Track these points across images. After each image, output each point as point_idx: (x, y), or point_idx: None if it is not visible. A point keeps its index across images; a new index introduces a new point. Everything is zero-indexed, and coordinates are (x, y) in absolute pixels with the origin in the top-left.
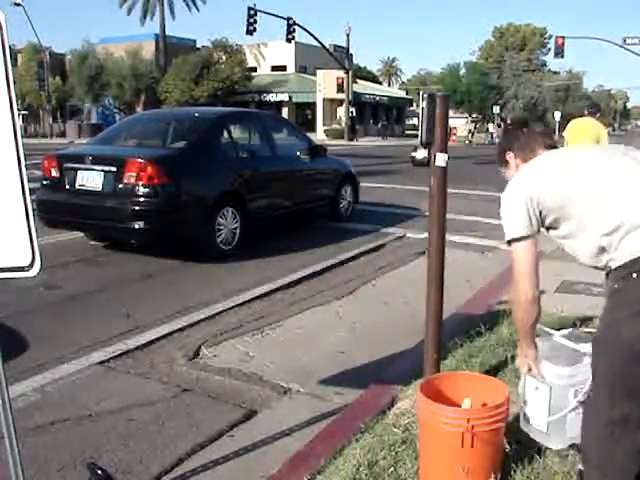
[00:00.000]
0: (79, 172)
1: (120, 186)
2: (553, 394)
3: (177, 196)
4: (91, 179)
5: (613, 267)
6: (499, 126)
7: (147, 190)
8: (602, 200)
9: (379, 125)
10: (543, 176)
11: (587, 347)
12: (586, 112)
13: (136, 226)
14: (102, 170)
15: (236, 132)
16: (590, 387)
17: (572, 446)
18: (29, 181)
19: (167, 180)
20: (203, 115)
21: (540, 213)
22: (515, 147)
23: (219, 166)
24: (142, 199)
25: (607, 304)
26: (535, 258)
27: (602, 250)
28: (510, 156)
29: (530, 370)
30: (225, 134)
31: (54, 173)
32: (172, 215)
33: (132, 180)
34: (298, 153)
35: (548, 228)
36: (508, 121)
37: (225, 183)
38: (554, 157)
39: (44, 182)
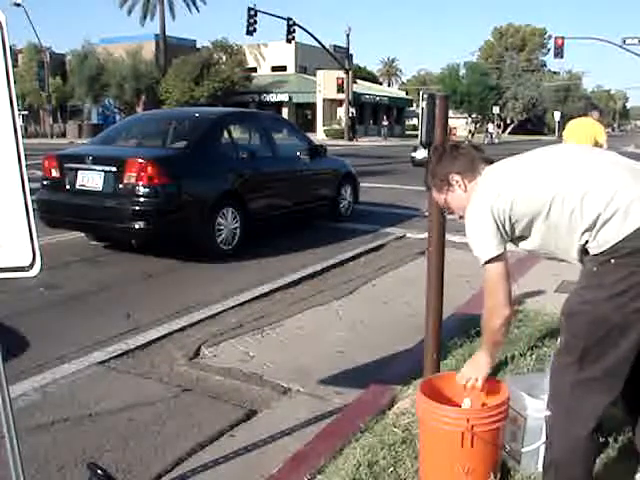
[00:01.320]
0: (79, 172)
1: (120, 186)
2: (528, 426)
3: (177, 196)
4: (91, 179)
5: (592, 253)
6: (498, 126)
7: (147, 190)
8: (578, 196)
9: (382, 125)
10: (511, 183)
11: None
12: (589, 113)
13: (136, 226)
14: (102, 170)
15: (236, 132)
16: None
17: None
18: (30, 181)
19: (167, 180)
20: (203, 115)
21: (510, 223)
22: (460, 168)
23: (219, 166)
24: (142, 199)
25: (584, 283)
26: (508, 276)
27: (584, 243)
28: (455, 179)
29: (472, 387)
30: (225, 134)
31: (54, 173)
32: (172, 215)
33: (132, 180)
34: (298, 153)
35: (518, 238)
36: (438, 147)
37: (225, 183)
38: (512, 165)
39: (44, 182)
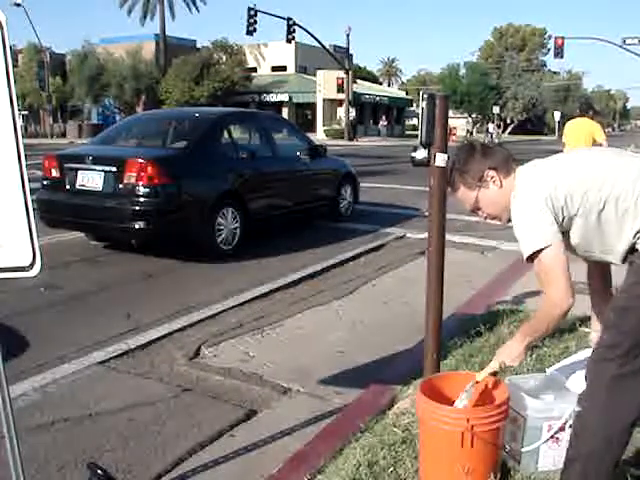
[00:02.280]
0: (79, 172)
1: (120, 186)
2: (528, 426)
3: (177, 196)
4: (91, 179)
5: None
6: (498, 126)
7: (147, 190)
8: (633, 196)
9: (380, 125)
10: (565, 177)
11: (575, 383)
12: (578, 112)
13: (136, 226)
14: (102, 170)
15: (236, 132)
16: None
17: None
18: (30, 181)
19: (167, 180)
20: (203, 115)
21: (563, 216)
22: (495, 164)
23: (219, 166)
24: (142, 199)
25: (635, 279)
26: (567, 264)
27: (635, 242)
28: (491, 174)
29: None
30: (225, 134)
31: (54, 173)
32: (172, 215)
33: (132, 180)
34: (298, 153)
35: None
36: (468, 145)
37: (225, 183)
38: (557, 162)
39: (45, 182)
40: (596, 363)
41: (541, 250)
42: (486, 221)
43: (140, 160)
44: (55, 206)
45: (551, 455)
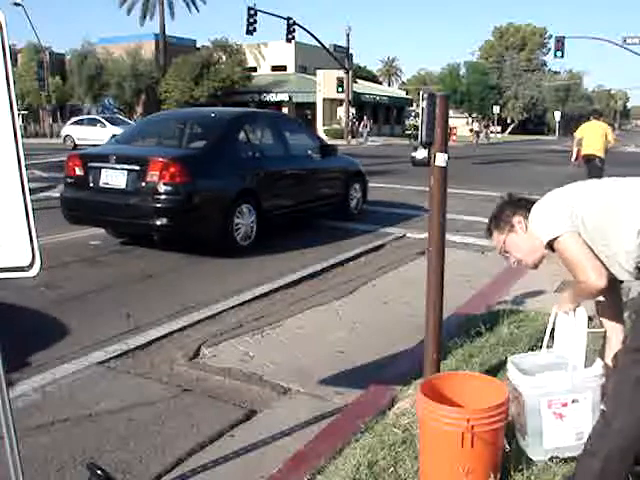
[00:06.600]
0: (103, 171)
1: (143, 184)
2: (526, 403)
3: (197, 194)
4: (115, 177)
5: None
6: (487, 126)
7: (169, 188)
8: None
9: (362, 126)
10: (583, 195)
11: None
12: (591, 118)
13: (158, 222)
14: (126, 169)
15: (251, 132)
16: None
17: (551, 459)
18: (29, 181)
19: (188, 178)
20: (220, 116)
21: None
22: (522, 212)
23: (236, 165)
24: (164, 197)
25: None
26: (588, 250)
27: None
28: (517, 220)
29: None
30: (242, 134)
31: (78, 172)
32: (193, 212)
33: (155, 178)
34: (309, 152)
35: None
36: (510, 195)
37: (242, 181)
38: (581, 185)
39: (68, 180)
40: (623, 365)
41: (558, 237)
42: (486, 220)
43: (163, 159)
44: (78, 203)
45: (556, 432)
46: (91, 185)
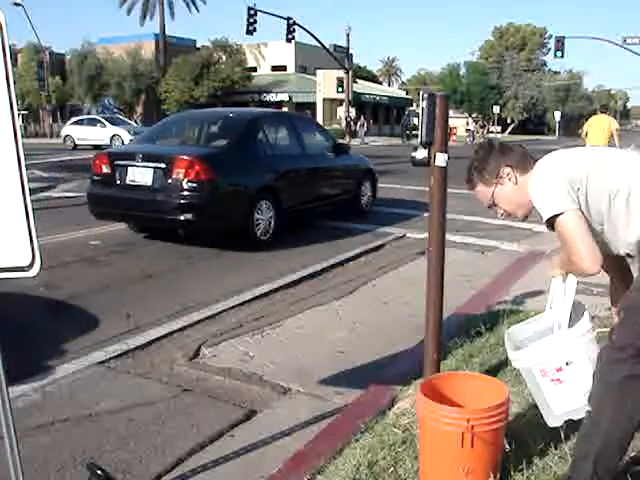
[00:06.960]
0: (129, 168)
1: (169, 181)
2: (525, 377)
3: (221, 190)
4: (141, 175)
5: None
6: (482, 126)
7: (194, 185)
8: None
9: (359, 126)
10: (583, 160)
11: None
12: (598, 112)
13: (183, 218)
14: (152, 167)
15: (270, 132)
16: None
17: (567, 422)
18: (29, 181)
19: (212, 176)
20: (241, 116)
21: (580, 194)
22: (511, 162)
23: (256, 163)
24: (189, 193)
25: None
26: (587, 230)
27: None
28: (507, 171)
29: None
30: (261, 133)
31: (105, 170)
32: (216, 208)
33: (180, 176)
34: (325, 151)
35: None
36: (486, 143)
37: (262, 179)
38: (575, 151)
39: (95, 178)
40: (607, 363)
41: (558, 215)
42: (486, 220)
43: (188, 157)
44: (105, 200)
45: (560, 398)
46: (118, 182)
